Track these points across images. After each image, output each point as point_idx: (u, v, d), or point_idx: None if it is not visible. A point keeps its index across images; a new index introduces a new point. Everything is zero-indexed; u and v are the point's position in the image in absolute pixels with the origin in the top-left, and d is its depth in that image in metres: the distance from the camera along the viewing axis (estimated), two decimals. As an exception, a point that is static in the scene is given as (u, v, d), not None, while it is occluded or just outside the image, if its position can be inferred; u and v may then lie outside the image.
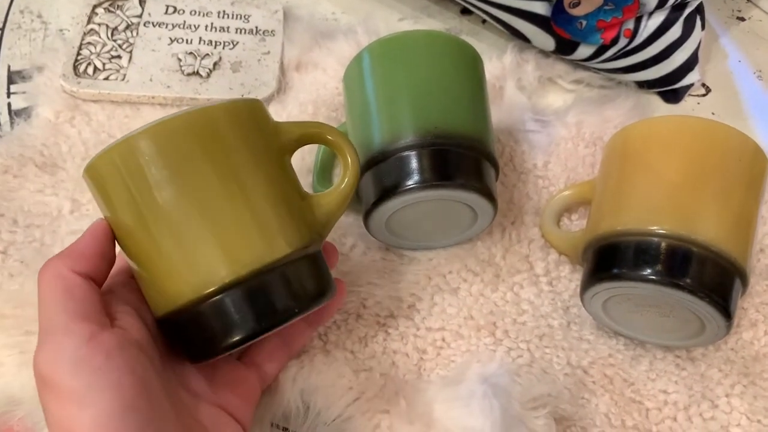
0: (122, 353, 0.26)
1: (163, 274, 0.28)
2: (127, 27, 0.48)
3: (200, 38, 0.48)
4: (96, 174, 0.29)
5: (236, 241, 0.28)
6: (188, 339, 0.30)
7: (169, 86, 0.45)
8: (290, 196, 0.30)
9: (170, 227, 0.28)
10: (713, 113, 0.49)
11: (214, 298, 0.28)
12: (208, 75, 0.46)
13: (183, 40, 0.48)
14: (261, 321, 0.29)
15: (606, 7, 0.44)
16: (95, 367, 0.25)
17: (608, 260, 0.35)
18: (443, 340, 0.38)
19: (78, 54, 0.46)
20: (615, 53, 0.46)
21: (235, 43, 0.48)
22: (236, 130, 0.29)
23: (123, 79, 0.45)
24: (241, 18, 0.49)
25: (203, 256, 0.28)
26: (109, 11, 0.48)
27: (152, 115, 0.45)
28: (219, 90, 0.46)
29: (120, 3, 0.49)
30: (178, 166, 0.27)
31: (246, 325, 0.28)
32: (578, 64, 0.49)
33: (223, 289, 0.28)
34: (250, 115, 0.30)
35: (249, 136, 0.29)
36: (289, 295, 0.29)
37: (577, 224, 0.42)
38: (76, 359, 0.25)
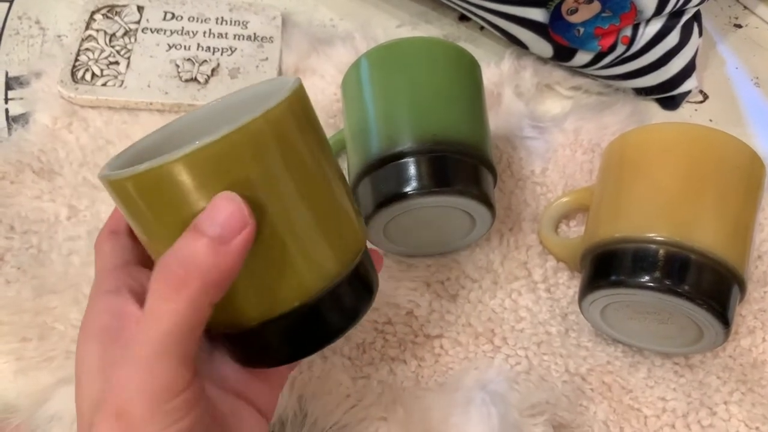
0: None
1: (277, 276, 0.25)
2: (125, 33, 0.48)
3: (198, 44, 0.48)
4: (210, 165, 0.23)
5: (343, 234, 0.27)
6: (286, 341, 0.27)
7: (167, 92, 0.45)
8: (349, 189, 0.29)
9: (289, 226, 0.25)
10: (711, 120, 0.49)
11: (322, 296, 0.26)
12: (206, 81, 0.46)
13: (181, 46, 0.48)
14: (356, 312, 0.28)
15: (604, 14, 0.44)
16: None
17: (606, 267, 0.35)
18: (441, 347, 0.38)
19: (76, 60, 0.46)
20: (613, 60, 0.46)
21: (233, 49, 0.48)
22: (308, 123, 0.27)
23: (121, 85, 0.45)
24: (239, 24, 0.49)
25: (318, 254, 0.26)
26: (108, 17, 0.48)
27: (150, 121, 0.45)
28: (217, 96, 0.45)
29: (118, 9, 0.49)
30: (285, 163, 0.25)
31: (344, 319, 0.27)
32: (576, 71, 0.49)
33: (332, 286, 0.26)
34: (309, 105, 0.27)
35: (318, 128, 0.27)
36: (367, 287, 0.29)
37: (575, 231, 0.42)
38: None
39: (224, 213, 0.22)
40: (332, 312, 0.27)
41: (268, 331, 0.26)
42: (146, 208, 0.24)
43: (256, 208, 0.23)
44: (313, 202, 0.25)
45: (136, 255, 0.28)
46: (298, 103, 0.25)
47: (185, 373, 0.22)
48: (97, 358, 0.24)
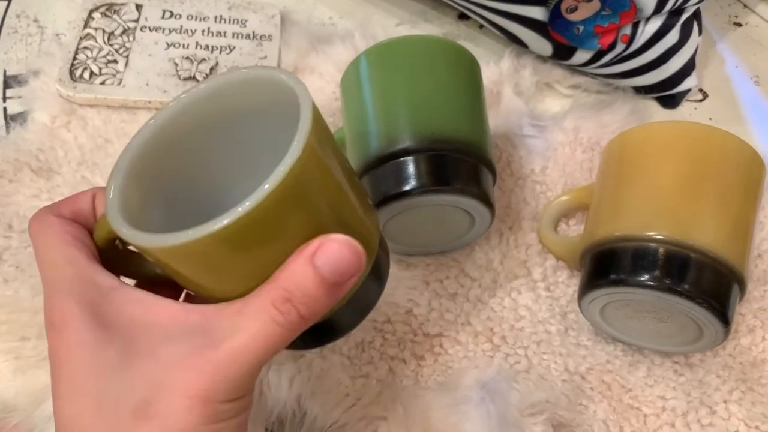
0: None
1: None
2: (124, 31, 0.48)
3: (197, 43, 0.48)
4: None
5: (365, 231, 0.28)
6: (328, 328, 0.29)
7: (165, 91, 0.45)
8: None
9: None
10: (710, 118, 0.49)
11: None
12: (205, 79, 0.46)
13: (180, 44, 0.47)
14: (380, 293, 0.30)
15: (603, 13, 0.44)
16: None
17: (606, 266, 0.35)
18: (441, 346, 0.38)
19: (74, 58, 0.46)
20: (612, 58, 0.46)
21: (231, 47, 0.48)
22: (327, 136, 0.27)
23: (119, 84, 0.45)
24: (238, 23, 0.49)
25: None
26: (106, 16, 0.48)
27: (148, 119, 0.44)
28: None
29: (117, 8, 0.49)
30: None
31: (372, 301, 0.30)
32: (575, 69, 0.49)
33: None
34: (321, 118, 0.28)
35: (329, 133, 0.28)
36: (383, 276, 0.30)
37: (574, 229, 0.42)
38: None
39: (345, 260, 0.24)
40: (361, 300, 0.29)
41: (329, 323, 0.28)
42: (199, 267, 0.25)
43: (295, 223, 0.24)
44: (339, 210, 0.26)
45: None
46: (315, 141, 0.25)
47: (255, 379, 0.25)
48: (99, 346, 0.24)
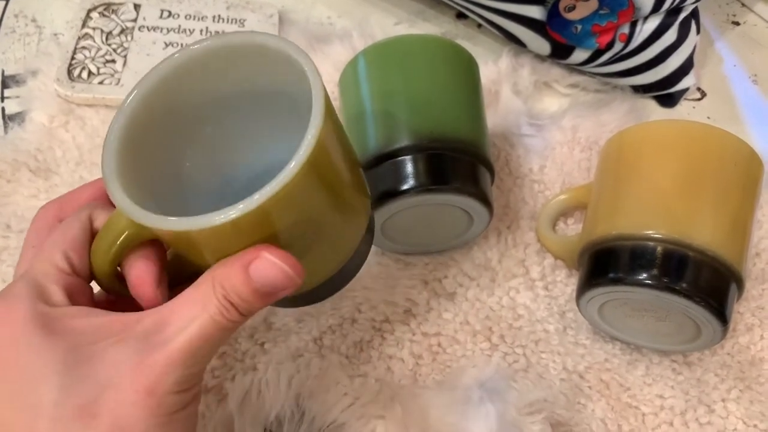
0: None
1: (321, 261, 0.29)
2: (122, 31, 0.48)
3: (195, 42, 0.48)
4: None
5: (362, 211, 0.30)
6: (322, 292, 0.31)
7: (163, 90, 0.45)
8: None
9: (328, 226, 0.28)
10: (709, 117, 0.49)
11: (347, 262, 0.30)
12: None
13: (178, 44, 0.47)
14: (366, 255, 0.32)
15: (601, 12, 0.44)
16: None
17: (604, 265, 0.35)
18: (439, 345, 0.38)
19: (72, 58, 0.46)
20: (610, 57, 0.46)
21: (230, 47, 0.48)
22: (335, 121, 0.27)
23: (117, 84, 0.45)
24: (236, 22, 0.49)
25: (348, 237, 0.30)
26: (104, 15, 0.48)
27: (147, 119, 0.44)
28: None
29: (115, 7, 0.48)
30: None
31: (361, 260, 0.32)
32: (574, 69, 0.49)
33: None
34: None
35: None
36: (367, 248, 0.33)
37: (573, 228, 0.42)
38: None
39: (278, 280, 0.25)
40: (354, 265, 0.31)
41: (310, 293, 0.30)
42: (195, 251, 0.26)
43: (299, 220, 0.25)
44: (342, 201, 0.28)
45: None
46: (330, 127, 0.25)
47: (204, 370, 0.26)
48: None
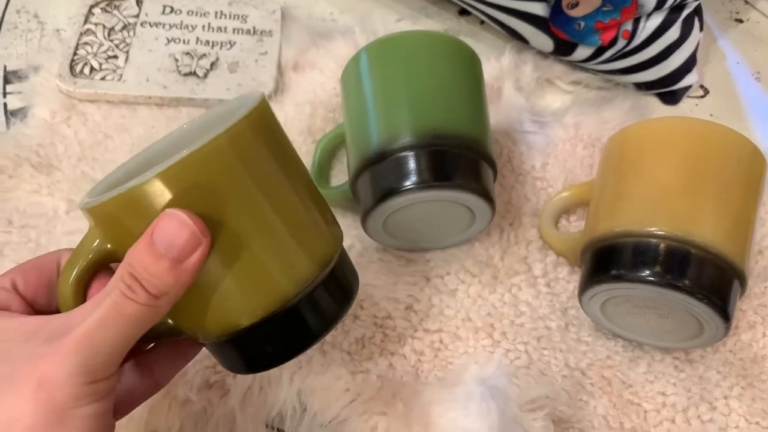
0: None
1: (253, 283, 0.27)
2: (124, 27, 0.48)
3: (197, 38, 0.48)
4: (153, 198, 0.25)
5: (313, 240, 0.28)
6: (270, 345, 0.28)
7: (165, 86, 0.45)
8: (320, 196, 0.30)
9: (258, 236, 0.26)
10: (711, 115, 0.49)
11: (301, 299, 0.28)
12: (205, 75, 0.46)
13: (180, 40, 0.47)
14: (336, 314, 0.29)
15: (604, 9, 0.44)
16: None
17: (606, 262, 0.35)
18: (441, 341, 0.38)
19: (74, 54, 0.46)
20: (613, 54, 0.46)
21: (232, 43, 0.48)
22: (271, 136, 0.28)
23: (119, 79, 0.45)
24: (238, 18, 0.49)
25: (289, 260, 0.27)
26: (106, 11, 0.48)
27: (149, 115, 0.44)
28: (216, 90, 0.45)
29: (117, 3, 0.48)
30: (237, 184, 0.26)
31: (324, 322, 0.29)
32: (576, 65, 0.49)
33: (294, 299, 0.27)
34: (272, 119, 0.28)
35: (283, 139, 0.28)
36: (346, 290, 0.30)
37: (575, 225, 0.42)
38: None
39: (181, 237, 0.24)
40: (312, 314, 0.28)
41: (252, 336, 0.27)
42: (125, 225, 0.25)
43: (223, 221, 0.25)
44: (279, 212, 0.27)
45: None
46: (259, 118, 0.27)
47: (117, 362, 0.24)
48: None
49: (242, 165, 0.25)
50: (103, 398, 0.24)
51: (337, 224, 0.30)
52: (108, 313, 0.23)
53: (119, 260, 0.25)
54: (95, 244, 0.26)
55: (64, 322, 0.24)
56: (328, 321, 0.29)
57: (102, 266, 0.27)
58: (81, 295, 0.26)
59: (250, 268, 0.26)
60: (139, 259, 0.24)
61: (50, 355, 0.23)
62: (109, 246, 0.26)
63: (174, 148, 0.29)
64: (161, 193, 0.24)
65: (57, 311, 0.27)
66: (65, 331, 0.23)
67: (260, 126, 0.27)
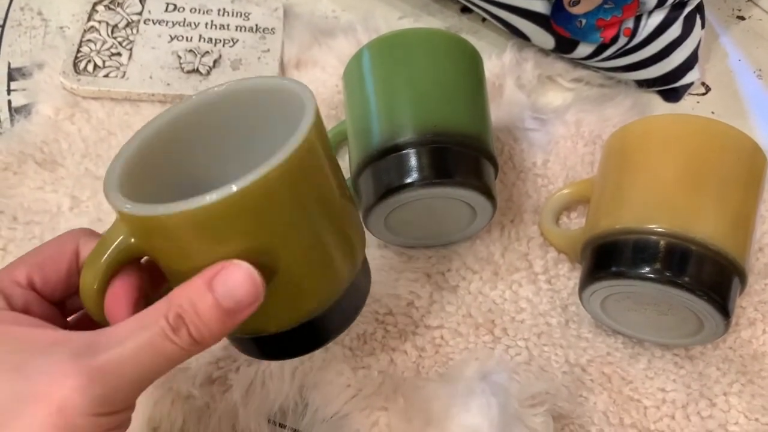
0: None
1: (297, 295, 0.27)
2: (128, 24, 0.48)
3: (200, 36, 0.48)
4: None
5: (350, 252, 0.28)
6: (299, 342, 0.29)
7: (168, 84, 0.45)
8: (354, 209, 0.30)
9: (304, 257, 0.26)
10: (713, 112, 0.49)
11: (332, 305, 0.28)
12: (208, 72, 0.46)
13: (183, 37, 0.48)
14: (356, 311, 0.30)
15: (606, 6, 0.44)
16: None
17: (607, 258, 0.35)
18: (442, 337, 0.38)
19: (78, 51, 0.46)
20: (614, 52, 0.46)
21: (235, 40, 0.48)
22: (325, 152, 0.27)
23: (123, 77, 0.45)
24: (241, 16, 0.49)
25: (329, 275, 0.28)
26: (110, 9, 0.48)
27: (152, 112, 0.45)
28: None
29: (120, 0, 0.49)
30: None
31: (345, 320, 0.30)
32: (578, 63, 0.49)
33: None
34: (325, 131, 0.27)
35: (331, 152, 0.28)
36: (362, 295, 0.31)
37: (576, 222, 0.42)
38: None
39: (242, 290, 0.23)
40: (333, 321, 0.29)
41: (275, 339, 0.28)
42: (168, 240, 0.24)
43: (267, 245, 0.24)
44: (320, 234, 0.27)
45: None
46: (318, 134, 0.25)
47: (138, 395, 0.23)
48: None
49: (299, 189, 0.24)
50: (118, 428, 0.23)
51: (363, 232, 0.31)
52: (143, 349, 0.22)
53: (141, 257, 0.25)
54: (120, 239, 0.25)
55: (92, 342, 0.22)
56: (346, 324, 0.30)
57: (127, 262, 0.26)
58: (104, 294, 0.25)
59: (284, 289, 0.26)
60: (191, 302, 0.23)
61: (73, 377, 0.21)
62: (135, 242, 0.25)
63: (203, 125, 0.29)
64: (215, 218, 0.23)
65: (77, 305, 0.27)
66: (92, 353, 0.22)
67: (319, 142, 0.25)
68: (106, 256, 0.25)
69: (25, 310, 0.25)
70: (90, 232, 0.28)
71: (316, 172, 0.26)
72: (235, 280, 0.23)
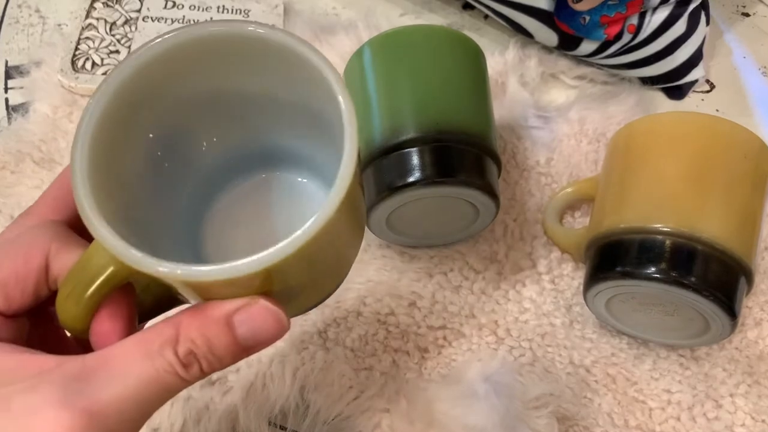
0: None
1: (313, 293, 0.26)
2: (126, 22, 0.47)
3: (199, 33, 0.47)
4: None
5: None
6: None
7: (168, 81, 0.45)
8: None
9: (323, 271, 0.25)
10: (718, 110, 0.49)
11: None
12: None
13: (182, 35, 0.47)
14: None
15: (610, 3, 0.43)
16: None
17: (611, 258, 0.35)
18: (444, 338, 0.38)
19: (76, 49, 0.46)
20: (618, 49, 0.46)
21: (234, 38, 0.47)
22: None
23: (121, 75, 0.45)
24: (240, 13, 0.49)
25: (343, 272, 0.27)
26: (108, 6, 0.48)
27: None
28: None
29: (119, -3, 0.48)
30: None
31: None
32: (581, 60, 0.48)
33: None
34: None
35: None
36: None
37: (580, 221, 0.42)
38: None
39: (267, 332, 0.21)
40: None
41: None
42: (197, 295, 0.22)
43: (294, 284, 0.23)
44: (351, 257, 0.26)
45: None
46: (356, 181, 0.22)
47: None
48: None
49: (335, 241, 0.23)
50: None
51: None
52: (148, 386, 0.20)
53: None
54: (110, 271, 0.21)
55: (85, 373, 0.20)
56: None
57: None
58: (91, 318, 0.22)
59: (298, 302, 0.25)
60: (206, 339, 0.20)
61: (67, 419, 0.19)
62: (132, 272, 0.20)
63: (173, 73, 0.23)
64: (249, 278, 0.20)
65: (47, 316, 0.24)
66: (87, 388, 0.20)
67: (357, 180, 0.22)
68: (93, 289, 0.21)
69: None
70: (59, 235, 0.23)
71: (353, 215, 0.23)
72: (261, 321, 0.21)
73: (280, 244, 0.20)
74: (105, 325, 0.22)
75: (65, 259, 0.22)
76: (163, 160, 0.25)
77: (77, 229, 0.23)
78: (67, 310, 0.22)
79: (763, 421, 0.36)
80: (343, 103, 0.22)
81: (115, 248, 0.20)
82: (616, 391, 0.37)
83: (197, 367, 0.21)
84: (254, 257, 0.19)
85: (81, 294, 0.21)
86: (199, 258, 0.26)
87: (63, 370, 0.20)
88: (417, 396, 0.35)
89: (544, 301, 0.39)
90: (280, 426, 0.36)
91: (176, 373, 0.20)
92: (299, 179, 0.28)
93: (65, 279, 0.21)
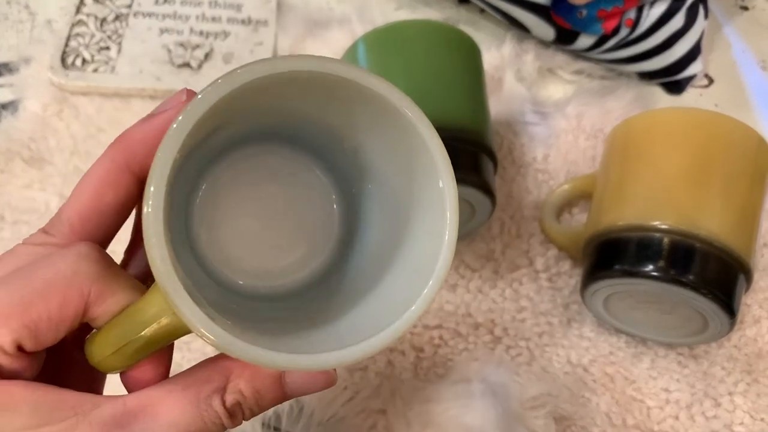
0: None
1: None
2: (117, 18, 0.47)
3: (191, 29, 0.47)
4: None
5: None
6: None
7: (159, 78, 0.44)
8: None
9: None
10: (716, 104, 0.48)
11: None
12: (200, 66, 0.45)
13: (173, 30, 0.46)
14: None
15: (607, -4, 0.43)
16: None
17: (609, 256, 0.34)
18: (441, 338, 0.37)
19: (66, 45, 0.45)
20: (616, 43, 0.45)
21: (226, 33, 0.47)
22: None
23: (112, 71, 0.44)
24: (233, 8, 0.48)
25: None
26: (98, 2, 0.47)
27: (142, 107, 0.44)
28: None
29: (109, -7, 0.48)
30: None
31: None
32: (579, 55, 0.48)
33: None
34: None
35: None
36: None
37: (577, 219, 0.41)
38: None
39: (316, 388, 0.21)
40: None
41: None
42: None
43: None
44: None
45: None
46: None
47: None
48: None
49: None
50: None
51: None
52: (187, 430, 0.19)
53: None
54: (164, 321, 0.19)
55: (125, 418, 0.19)
56: None
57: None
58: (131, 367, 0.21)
59: None
60: (256, 391, 0.20)
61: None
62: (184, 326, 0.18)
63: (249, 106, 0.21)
64: None
65: (73, 350, 0.22)
66: (123, 426, 0.19)
67: None
68: (141, 346, 0.20)
69: (16, 378, 0.20)
70: (99, 275, 0.20)
71: None
72: (311, 376, 0.21)
73: (378, 339, 0.19)
74: (147, 373, 0.20)
75: (108, 304, 0.20)
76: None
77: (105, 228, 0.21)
78: (106, 360, 0.20)
79: (762, 419, 0.36)
80: (447, 188, 0.21)
81: (218, 340, 0.17)
82: (614, 390, 0.37)
83: (240, 417, 0.20)
84: (356, 350, 0.19)
85: (127, 351, 0.20)
86: (184, 226, 0.23)
87: (102, 412, 0.19)
88: (413, 396, 0.35)
89: (542, 299, 0.39)
90: (275, 428, 0.35)
91: (221, 423, 0.20)
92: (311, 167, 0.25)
93: (109, 329, 0.20)
